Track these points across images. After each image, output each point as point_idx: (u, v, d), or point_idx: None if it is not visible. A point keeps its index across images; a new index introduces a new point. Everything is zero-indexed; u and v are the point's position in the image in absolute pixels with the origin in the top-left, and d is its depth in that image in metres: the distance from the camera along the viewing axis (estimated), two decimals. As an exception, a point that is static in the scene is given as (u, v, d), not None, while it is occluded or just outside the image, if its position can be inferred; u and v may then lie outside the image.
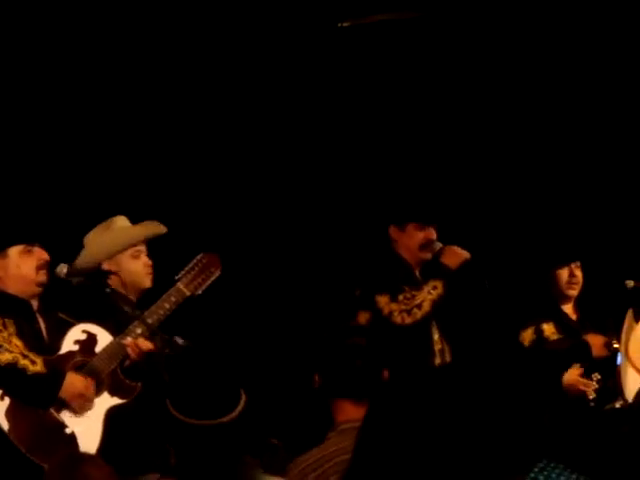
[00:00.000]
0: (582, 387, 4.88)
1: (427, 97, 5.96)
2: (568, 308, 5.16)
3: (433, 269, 4.74)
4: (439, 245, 4.74)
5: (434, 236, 4.76)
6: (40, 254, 4.12)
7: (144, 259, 4.29)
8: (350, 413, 3.05)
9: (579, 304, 5.17)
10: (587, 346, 4.85)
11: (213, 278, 4.21)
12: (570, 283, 5.07)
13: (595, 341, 4.88)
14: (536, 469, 2.18)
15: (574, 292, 5.09)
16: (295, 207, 5.91)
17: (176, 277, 4.17)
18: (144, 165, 5.60)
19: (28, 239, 4.13)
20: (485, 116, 6.01)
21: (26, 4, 5.26)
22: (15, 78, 5.30)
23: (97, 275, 4.22)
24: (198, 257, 4.21)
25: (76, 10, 5.30)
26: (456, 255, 4.70)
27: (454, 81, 5.93)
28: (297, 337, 5.49)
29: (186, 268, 4.18)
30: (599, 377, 4.91)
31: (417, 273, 4.79)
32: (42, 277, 4.11)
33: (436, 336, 4.71)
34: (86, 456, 3.36)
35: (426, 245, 4.73)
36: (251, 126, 5.87)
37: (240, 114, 5.82)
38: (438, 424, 1.81)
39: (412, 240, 4.74)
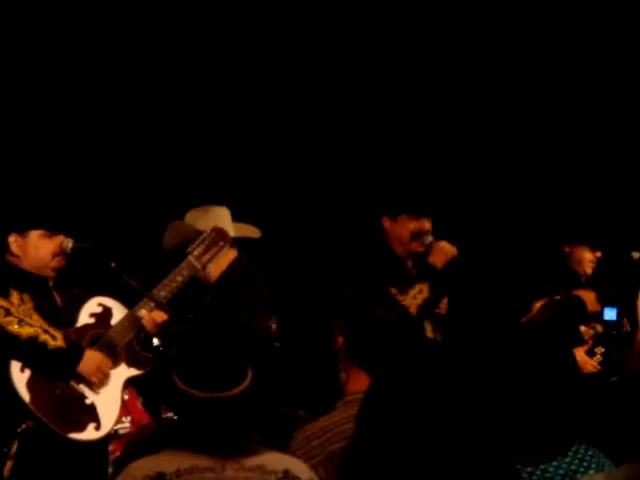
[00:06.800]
0: (590, 367, 5.08)
1: (418, 86, 6.15)
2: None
3: (420, 269, 4.79)
4: (431, 239, 4.79)
5: (427, 227, 4.80)
6: (60, 240, 4.28)
7: None
8: (362, 383, 3.09)
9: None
10: (581, 300, 5.03)
11: (223, 252, 4.43)
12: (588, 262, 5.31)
13: (588, 296, 5.08)
14: (570, 453, 2.34)
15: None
16: (291, 200, 6.12)
17: (187, 251, 4.40)
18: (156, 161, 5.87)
19: (53, 226, 4.29)
20: (478, 104, 6.21)
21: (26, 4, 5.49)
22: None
23: (101, 250, 4.39)
24: (207, 231, 4.43)
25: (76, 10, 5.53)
26: (443, 253, 4.74)
27: (444, 71, 6.14)
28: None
29: (196, 242, 4.40)
30: (603, 350, 5.14)
31: (409, 265, 4.85)
32: (56, 263, 4.29)
33: (429, 331, 4.80)
34: None
35: (418, 235, 4.77)
36: (239, 118, 6.10)
37: (227, 107, 6.05)
38: (441, 399, 1.96)
39: (404, 231, 4.78)
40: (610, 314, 5.01)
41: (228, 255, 4.60)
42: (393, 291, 4.65)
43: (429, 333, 4.79)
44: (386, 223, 4.83)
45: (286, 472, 2.65)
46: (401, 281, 4.71)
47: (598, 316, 5.08)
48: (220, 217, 4.70)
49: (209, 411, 2.60)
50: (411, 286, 4.68)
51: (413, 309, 4.64)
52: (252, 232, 4.83)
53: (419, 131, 6.20)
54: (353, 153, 6.18)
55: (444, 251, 4.76)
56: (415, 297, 4.65)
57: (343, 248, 5.27)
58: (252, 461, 2.63)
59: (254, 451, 2.65)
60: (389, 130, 6.19)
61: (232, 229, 4.68)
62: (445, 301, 4.89)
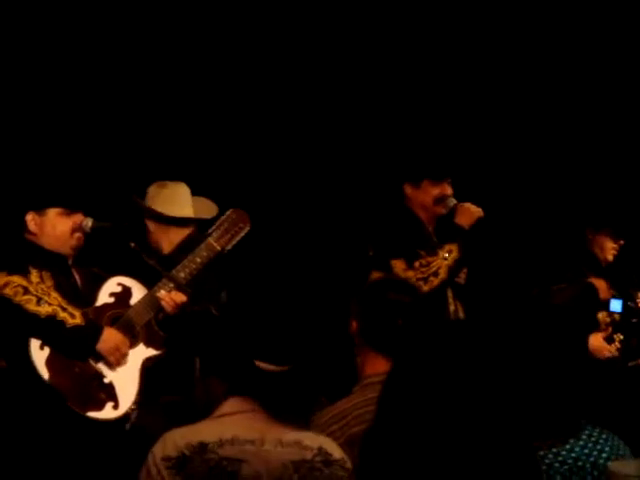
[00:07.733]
0: (607, 353, 5.13)
1: (438, 51, 6.17)
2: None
3: (447, 231, 4.84)
4: (454, 201, 4.86)
5: (449, 191, 4.86)
6: (78, 219, 4.31)
7: None
8: (378, 367, 3.19)
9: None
10: (593, 287, 5.10)
11: (243, 233, 4.46)
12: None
13: (600, 284, 5.13)
14: (584, 436, 2.37)
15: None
16: (313, 169, 6.13)
17: (207, 232, 4.44)
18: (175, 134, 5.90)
19: (71, 204, 4.31)
20: (499, 63, 6.21)
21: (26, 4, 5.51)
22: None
23: (121, 229, 4.43)
24: (227, 213, 4.47)
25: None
26: (469, 213, 4.80)
27: (467, 35, 6.16)
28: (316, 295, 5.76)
29: (216, 223, 4.45)
30: (622, 337, 5.18)
31: (431, 229, 4.90)
32: (75, 241, 4.31)
33: (450, 297, 4.84)
34: None
35: (441, 200, 4.84)
36: (273, 89, 6.13)
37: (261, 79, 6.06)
38: (464, 380, 1.98)
39: (427, 196, 4.83)
40: (616, 306, 5.06)
41: (184, 231, 4.66)
42: (422, 253, 4.71)
43: (449, 299, 4.83)
44: (408, 190, 4.89)
45: (320, 449, 2.74)
46: (424, 245, 4.77)
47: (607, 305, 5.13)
48: (176, 194, 4.69)
49: (274, 384, 2.69)
50: (440, 247, 4.75)
51: (443, 270, 4.68)
52: (208, 210, 4.77)
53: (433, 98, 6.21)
54: (370, 124, 6.20)
55: (470, 211, 4.82)
56: (445, 258, 4.70)
57: (366, 215, 5.30)
58: (290, 436, 2.71)
59: (293, 427, 2.73)
60: (406, 99, 6.21)
61: (190, 207, 4.68)
62: (465, 270, 4.92)
